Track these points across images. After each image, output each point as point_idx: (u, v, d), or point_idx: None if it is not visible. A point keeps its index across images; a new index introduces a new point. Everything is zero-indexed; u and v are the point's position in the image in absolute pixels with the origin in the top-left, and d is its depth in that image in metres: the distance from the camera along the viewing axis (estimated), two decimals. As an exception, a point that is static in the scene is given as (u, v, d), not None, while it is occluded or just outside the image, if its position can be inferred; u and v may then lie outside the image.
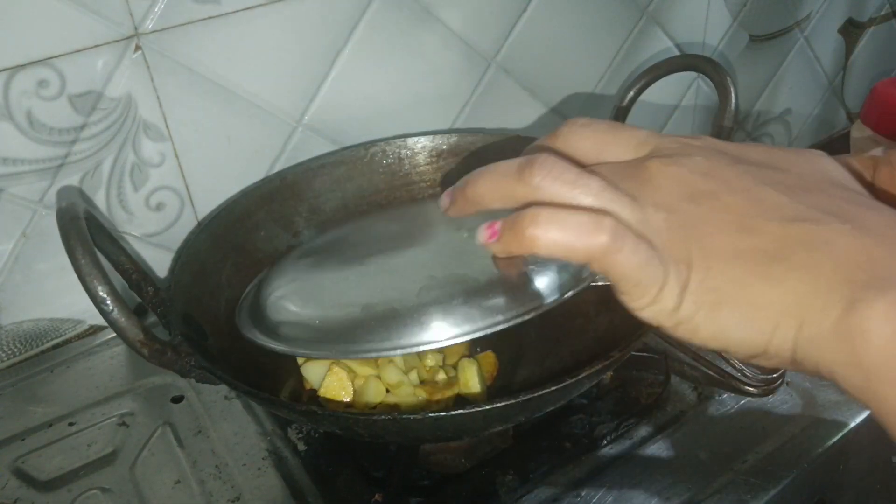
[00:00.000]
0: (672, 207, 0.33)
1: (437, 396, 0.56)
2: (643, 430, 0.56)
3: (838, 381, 0.29)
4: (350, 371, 0.56)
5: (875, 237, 0.29)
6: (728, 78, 0.60)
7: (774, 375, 0.58)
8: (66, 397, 0.62)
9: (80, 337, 0.68)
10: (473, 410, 0.45)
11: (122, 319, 0.44)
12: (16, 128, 0.58)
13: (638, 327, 0.48)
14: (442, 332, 0.42)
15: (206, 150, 0.67)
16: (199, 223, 0.69)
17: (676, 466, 0.53)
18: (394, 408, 0.55)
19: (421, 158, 0.71)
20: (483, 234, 0.35)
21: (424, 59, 0.74)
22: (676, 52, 0.91)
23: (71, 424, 0.60)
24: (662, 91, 0.85)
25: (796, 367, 0.31)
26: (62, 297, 0.66)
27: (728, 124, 0.60)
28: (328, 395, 0.56)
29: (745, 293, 0.30)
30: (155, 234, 0.68)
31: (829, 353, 0.29)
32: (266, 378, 0.57)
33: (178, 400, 0.61)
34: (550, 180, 0.33)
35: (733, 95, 0.59)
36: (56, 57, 0.57)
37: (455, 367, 0.59)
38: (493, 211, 0.36)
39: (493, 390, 0.59)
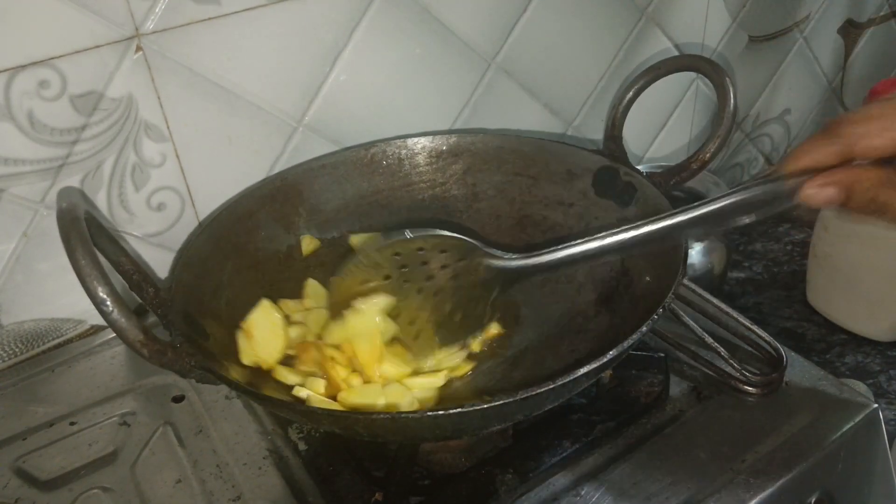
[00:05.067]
0: None
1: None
2: (642, 430, 0.56)
3: None
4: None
5: None
6: (727, 78, 0.60)
7: (773, 375, 0.58)
8: (67, 397, 0.62)
9: (81, 337, 0.69)
10: (472, 409, 0.45)
11: (123, 320, 0.44)
12: (17, 128, 0.59)
13: (637, 327, 0.48)
14: None
15: (207, 151, 0.67)
16: (200, 223, 0.69)
17: (676, 466, 0.53)
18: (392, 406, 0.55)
19: (421, 159, 0.71)
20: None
21: (425, 60, 0.74)
22: (676, 53, 0.91)
23: (72, 424, 0.60)
24: (662, 91, 0.85)
25: None
26: (63, 297, 0.66)
27: (727, 125, 0.60)
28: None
29: None
30: (156, 234, 0.69)
31: None
32: (266, 377, 0.57)
33: (178, 399, 0.62)
34: None
35: (732, 96, 0.60)
36: (57, 57, 0.58)
37: None
38: None
39: (492, 390, 0.59)
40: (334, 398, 0.56)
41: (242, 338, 0.58)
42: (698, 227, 0.47)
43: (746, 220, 0.45)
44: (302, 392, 0.55)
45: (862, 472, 0.58)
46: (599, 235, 0.52)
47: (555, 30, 0.81)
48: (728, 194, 0.45)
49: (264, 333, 0.58)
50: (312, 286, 0.65)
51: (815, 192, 0.41)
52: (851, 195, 0.40)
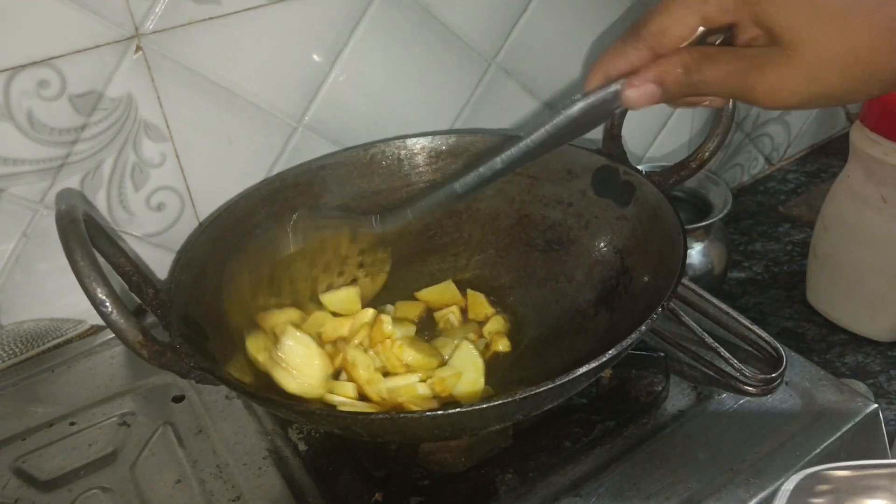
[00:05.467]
0: None
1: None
2: (642, 430, 0.56)
3: None
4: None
5: None
6: (727, 78, 0.60)
7: (773, 375, 0.58)
8: (66, 397, 0.63)
9: (80, 337, 0.69)
10: (471, 409, 0.45)
11: (122, 321, 0.44)
12: (16, 128, 0.59)
13: (636, 326, 0.48)
14: None
15: (207, 151, 0.67)
16: (200, 224, 0.69)
17: (675, 466, 0.53)
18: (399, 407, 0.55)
19: (420, 159, 0.71)
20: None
21: (424, 60, 0.74)
22: (676, 53, 0.91)
23: (72, 424, 0.60)
24: (662, 91, 0.85)
25: None
26: (63, 297, 0.66)
27: (726, 123, 0.60)
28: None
29: None
30: (155, 234, 0.69)
31: None
32: (266, 378, 0.57)
33: (178, 399, 0.62)
34: None
35: (732, 96, 0.59)
36: (57, 57, 0.58)
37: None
38: None
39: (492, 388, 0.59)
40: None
41: (280, 373, 0.53)
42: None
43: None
44: (334, 398, 0.54)
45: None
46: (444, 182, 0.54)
47: (555, 30, 0.81)
48: (557, 115, 0.46)
49: (303, 360, 0.54)
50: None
51: (635, 93, 0.42)
52: (667, 87, 0.41)
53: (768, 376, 0.58)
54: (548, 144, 0.48)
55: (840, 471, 0.42)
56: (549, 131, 0.47)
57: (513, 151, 0.49)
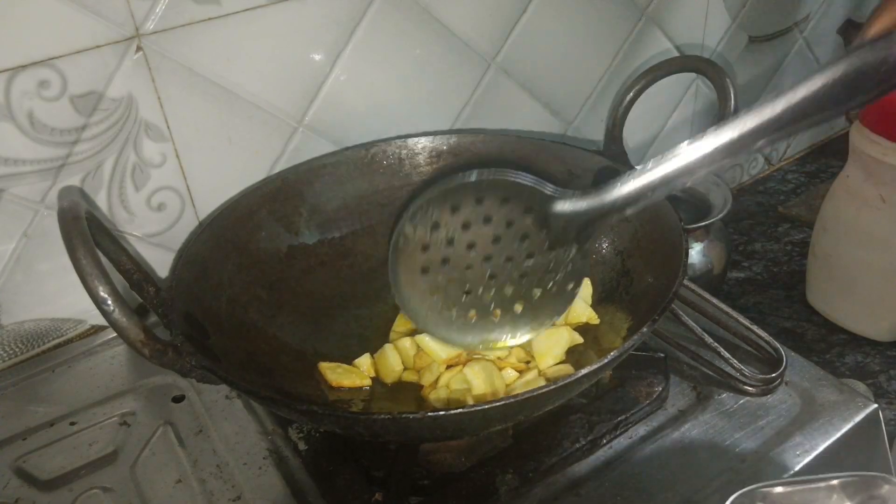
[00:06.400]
0: None
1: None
2: (642, 430, 0.56)
3: None
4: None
5: None
6: (727, 79, 0.60)
7: (773, 375, 0.58)
8: (67, 397, 0.63)
9: (81, 337, 0.69)
10: (473, 409, 0.45)
11: (123, 319, 0.44)
12: (17, 128, 0.59)
13: (636, 328, 0.48)
14: None
15: (207, 151, 0.67)
16: (201, 223, 0.69)
17: (675, 466, 0.53)
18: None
19: (421, 159, 0.71)
20: None
21: (425, 60, 0.74)
22: (676, 53, 0.91)
23: (72, 424, 0.60)
24: (662, 92, 0.85)
25: None
26: (63, 297, 0.66)
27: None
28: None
29: None
30: (156, 234, 0.69)
31: None
32: (267, 377, 0.57)
33: (179, 399, 0.62)
34: None
35: (732, 96, 0.60)
36: (57, 58, 0.58)
37: None
38: None
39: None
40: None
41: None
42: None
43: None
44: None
45: (861, 472, 0.58)
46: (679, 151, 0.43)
47: (555, 30, 0.81)
48: (819, 73, 0.37)
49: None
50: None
51: None
52: None
53: (768, 376, 0.58)
54: (798, 116, 0.38)
55: (776, 487, 0.42)
56: (807, 94, 0.37)
57: (753, 123, 0.40)
